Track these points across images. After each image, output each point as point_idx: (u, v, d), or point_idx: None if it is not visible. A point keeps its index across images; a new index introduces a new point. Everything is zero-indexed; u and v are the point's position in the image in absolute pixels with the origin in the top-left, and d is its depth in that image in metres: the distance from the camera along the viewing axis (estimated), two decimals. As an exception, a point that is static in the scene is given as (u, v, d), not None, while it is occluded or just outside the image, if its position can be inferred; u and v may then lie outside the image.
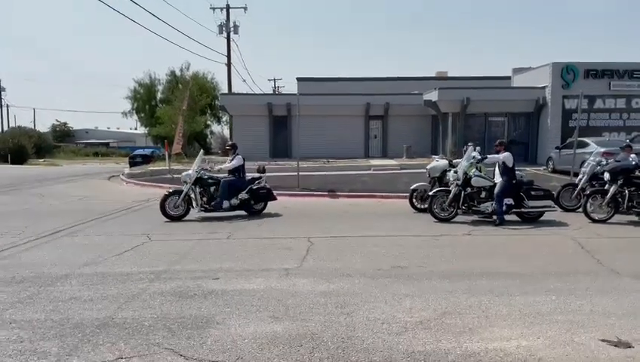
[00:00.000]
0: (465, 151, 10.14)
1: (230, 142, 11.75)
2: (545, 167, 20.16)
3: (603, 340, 3.88)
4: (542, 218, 9.68)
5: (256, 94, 35.52)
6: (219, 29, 36.64)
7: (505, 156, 9.61)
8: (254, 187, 10.71)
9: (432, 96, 25.17)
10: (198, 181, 10.21)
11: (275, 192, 14.36)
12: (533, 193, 9.60)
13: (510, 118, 24.90)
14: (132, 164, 31.40)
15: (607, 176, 9.74)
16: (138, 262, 6.45)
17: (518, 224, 9.43)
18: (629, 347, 3.75)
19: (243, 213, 10.62)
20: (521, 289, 5.19)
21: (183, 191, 10.06)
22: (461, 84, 26.61)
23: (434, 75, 33.59)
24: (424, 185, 11.17)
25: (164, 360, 3.57)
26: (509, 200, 9.50)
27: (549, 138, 22.84)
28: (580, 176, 11.13)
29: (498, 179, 9.67)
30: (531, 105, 24.02)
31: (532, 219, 9.65)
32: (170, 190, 10.48)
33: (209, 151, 42.65)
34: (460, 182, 9.60)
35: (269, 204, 11.00)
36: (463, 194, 9.64)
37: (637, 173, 9.58)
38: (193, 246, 7.49)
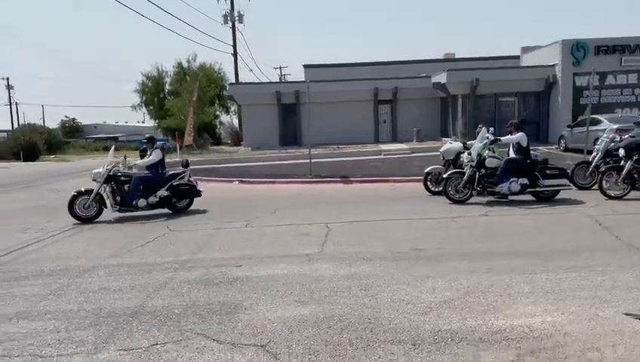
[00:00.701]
0: (478, 133, 10.13)
1: (147, 135, 10.80)
2: (557, 146, 20.04)
3: (627, 314, 3.93)
4: (557, 196, 9.68)
5: (264, 83, 35.49)
6: (223, 18, 36.67)
7: (519, 136, 9.61)
8: (175, 183, 9.82)
9: (441, 78, 25.00)
10: (112, 179, 9.41)
11: (287, 180, 14.54)
12: (548, 172, 9.60)
13: (520, 97, 24.69)
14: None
15: (622, 152, 9.69)
16: (161, 252, 6.57)
17: (533, 203, 9.43)
18: (654, 320, 3.80)
19: (168, 211, 9.79)
20: (542, 267, 5.24)
21: (93, 190, 9.23)
22: (470, 65, 26.41)
23: (442, 57, 33.29)
24: (438, 167, 11.19)
25: (197, 345, 3.68)
26: (523, 180, 9.49)
27: (560, 116, 22.64)
28: (594, 154, 11.08)
29: None
30: (541, 84, 23.78)
31: (547, 198, 9.65)
32: (82, 189, 9.37)
33: (219, 141, 42.78)
34: (474, 164, 9.62)
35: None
36: (477, 176, 9.66)
37: (653, 148, 9.51)
38: (213, 235, 7.61)
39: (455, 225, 7.72)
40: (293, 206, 10.32)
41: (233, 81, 36.14)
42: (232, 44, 36.68)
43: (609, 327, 3.71)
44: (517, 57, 28.03)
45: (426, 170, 11.23)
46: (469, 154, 9.77)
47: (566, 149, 18.79)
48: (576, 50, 22.48)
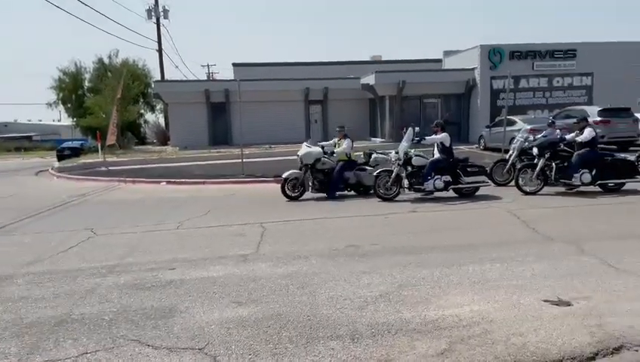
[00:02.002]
0: (405, 133, 10.49)
1: None
2: (477, 145, 21.19)
3: (545, 300, 4.25)
4: (478, 193, 10.23)
5: (193, 81, 34.55)
6: (147, 13, 35.29)
7: (443, 136, 10.09)
8: None
9: (370, 79, 25.62)
10: None
11: (219, 180, 14.27)
12: (469, 170, 10.15)
13: (443, 99, 25.87)
14: (60, 158, 29.69)
15: (535, 150, 10.41)
16: (87, 257, 6.24)
17: (456, 199, 9.92)
18: (569, 305, 4.14)
19: None
20: (468, 260, 5.53)
21: None
22: (396, 68, 27.26)
23: (369, 59, 34.08)
24: (296, 172, 10.69)
25: (132, 352, 3.54)
26: (447, 178, 9.98)
27: (479, 117, 23.97)
28: (510, 152, 11.82)
29: None
30: (462, 86, 25.05)
31: (469, 195, 10.18)
32: None
33: (144, 141, 41.18)
34: (401, 162, 9.98)
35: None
36: (404, 174, 10.03)
37: (562, 146, 10.30)
38: (142, 238, 7.34)
39: (387, 222, 7.96)
40: (226, 206, 10.16)
41: (158, 78, 34.88)
42: (156, 40, 35.43)
43: (530, 313, 4.00)
44: (440, 60, 29.30)
45: (283, 175, 10.75)
46: (397, 153, 10.12)
47: (485, 148, 19.91)
48: (493, 54, 23.92)
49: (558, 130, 11.28)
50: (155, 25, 35.32)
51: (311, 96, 28.17)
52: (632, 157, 10.76)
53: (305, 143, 11.18)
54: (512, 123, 17.87)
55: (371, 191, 10.49)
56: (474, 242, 6.38)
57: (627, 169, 10.08)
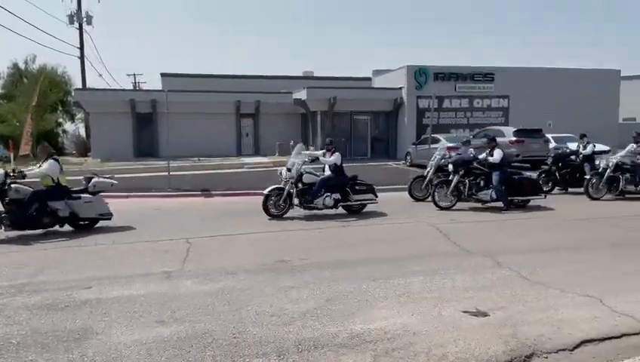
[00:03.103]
0: (292, 148, 10.39)
1: None
2: (404, 162, 21.92)
3: (465, 311, 4.44)
4: (397, 207, 10.51)
5: (117, 90, 33.17)
6: (69, 18, 33.58)
7: (336, 157, 10.23)
8: None
9: (302, 95, 25.86)
10: None
11: (144, 193, 13.71)
12: (357, 188, 10.35)
13: (373, 116, 26.59)
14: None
15: (450, 167, 10.92)
16: (-8, 276, 5.75)
17: (346, 216, 9.96)
18: (486, 315, 4.35)
19: None
20: (394, 273, 5.67)
21: None
22: (327, 84, 27.74)
23: (301, 75, 34.44)
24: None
25: (40, 379, 3.29)
26: (336, 195, 10.07)
27: (406, 135, 24.85)
28: (428, 169, 12.33)
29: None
30: (390, 104, 25.92)
31: (356, 211, 10.31)
32: None
33: (62, 152, 38.88)
34: (293, 180, 9.92)
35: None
36: (295, 191, 9.95)
37: (475, 164, 10.89)
38: (56, 255, 6.88)
39: (319, 235, 8.01)
40: (150, 221, 9.75)
41: (79, 86, 33.19)
42: (78, 46, 33.75)
43: (450, 324, 4.15)
44: (369, 79, 30.18)
45: None
46: (288, 170, 9.95)
47: (412, 164, 20.63)
48: (419, 75, 24.99)
49: (471, 149, 11.95)
50: (78, 30, 33.72)
51: (242, 110, 27.93)
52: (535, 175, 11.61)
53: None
54: (436, 141, 18.69)
55: (98, 225, 8.77)
56: (398, 255, 6.56)
57: (532, 187, 10.94)
